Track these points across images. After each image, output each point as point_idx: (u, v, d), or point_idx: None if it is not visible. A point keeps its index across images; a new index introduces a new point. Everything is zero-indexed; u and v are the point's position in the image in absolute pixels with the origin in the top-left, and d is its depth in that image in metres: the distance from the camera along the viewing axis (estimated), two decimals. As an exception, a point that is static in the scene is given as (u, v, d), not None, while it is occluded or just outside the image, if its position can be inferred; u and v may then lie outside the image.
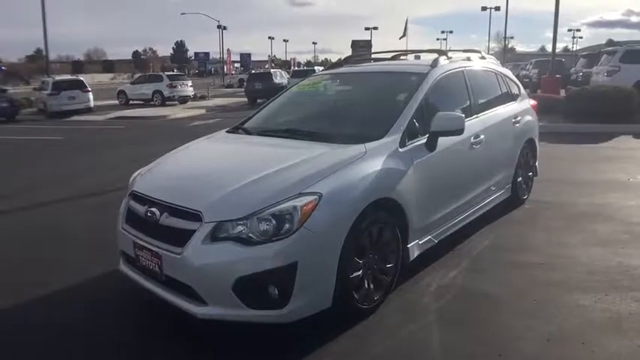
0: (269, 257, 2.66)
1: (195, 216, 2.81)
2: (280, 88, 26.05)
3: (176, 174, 3.46)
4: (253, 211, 2.72)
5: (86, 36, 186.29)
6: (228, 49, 54.47)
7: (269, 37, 71.29)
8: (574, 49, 74.57)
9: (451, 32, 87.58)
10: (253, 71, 35.26)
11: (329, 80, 4.55)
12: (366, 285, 3.13)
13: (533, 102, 6.08)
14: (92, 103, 22.02)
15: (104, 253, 4.19)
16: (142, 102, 25.63)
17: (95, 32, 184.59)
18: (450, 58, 4.45)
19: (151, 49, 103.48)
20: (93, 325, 3.26)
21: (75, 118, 20.00)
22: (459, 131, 3.66)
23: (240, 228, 2.72)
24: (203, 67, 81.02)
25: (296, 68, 33.38)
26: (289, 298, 2.70)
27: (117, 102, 26.50)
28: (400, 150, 3.41)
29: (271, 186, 2.88)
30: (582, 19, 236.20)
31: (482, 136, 4.33)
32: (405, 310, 3.30)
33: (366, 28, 53.50)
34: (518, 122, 5.23)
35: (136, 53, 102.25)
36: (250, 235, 2.70)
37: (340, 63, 5.08)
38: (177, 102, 25.32)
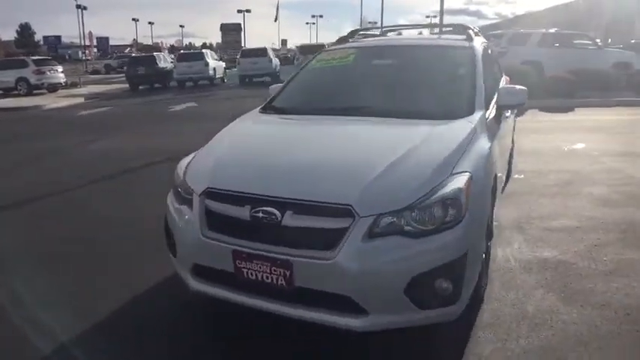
0: (444, 249, 2.33)
1: (343, 211, 2.32)
2: (166, 73, 24.56)
3: (267, 163, 2.82)
4: (417, 198, 2.34)
5: None
6: (90, 32, 49.10)
7: (133, 19, 66.21)
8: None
9: (321, 17, 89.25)
10: (134, 54, 32.49)
11: (355, 55, 4.17)
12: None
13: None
14: None
15: None
16: (0, 91, 22.11)
17: None
18: (477, 33, 4.36)
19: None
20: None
21: None
22: (522, 104, 3.61)
23: (404, 219, 2.32)
24: (54, 52, 72.61)
25: (183, 51, 31.36)
26: (461, 292, 2.41)
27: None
28: (487, 125, 3.24)
29: (420, 168, 2.51)
30: (431, 7, 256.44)
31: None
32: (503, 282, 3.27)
33: (239, 11, 52.41)
34: None
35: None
36: (417, 226, 2.32)
37: (346, 38, 4.75)
38: (46, 90, 22.29)
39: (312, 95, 3.94)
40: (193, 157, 3.18)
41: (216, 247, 2.55)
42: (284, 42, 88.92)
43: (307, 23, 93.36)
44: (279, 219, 2.39)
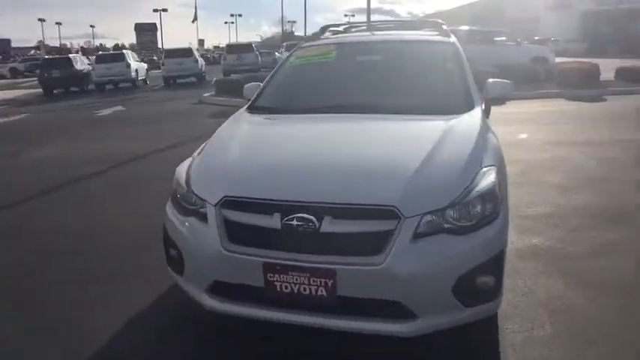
0: (486, 245, 2.31)
1: (386, 213, 2.23)
2: (83, 76, 23.06)
3: (290, 166, 2.64)
4: (457, 195, 2.31)
5: None
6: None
7: (39, 19, 61.59)
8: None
9: (240, 16, 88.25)
10: (47, 56, 30.22)
11: (337, 50, 4.08)
12: None
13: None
14: None
15: None
16: None
17: None
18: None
19: None
20: None
21: None
22: (509, 96, 3.71)
23: (446, 217, 2.27)
24: None
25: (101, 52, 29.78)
26: (501, 286, 2.40)
27: None
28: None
29: (453, 164, 2.48)
30: (345, 6, 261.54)
31: None
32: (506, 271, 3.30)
33: (155, 10, 50.39)
34: None
35: None
36: (459, 223, 2.28)
37: (318, 35, 4.67)
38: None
39: (304, 93, 3.81)
40: (192, 164, 2.92)
41: (241, 260, 2.36)
42: (201, 42, 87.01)
43: (226, 22, 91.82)
44: (316, 226, 2.25)
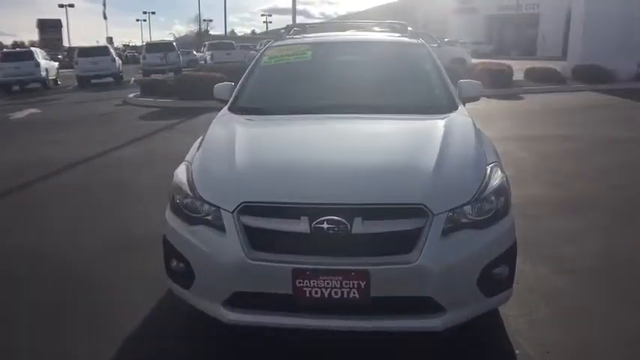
0: (504, 237, 2.43)
1: (415, 211, 2.27)
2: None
3: (310, 168, 2.56)
4: (476, 190, 2.41)
5: None
6: None
7: None
8: (266, 31, 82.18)
9: (154, 13, 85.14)
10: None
11: (312, 50, 4.05)
12: None
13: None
14: None
15: None
16: None
17: None
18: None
19: None
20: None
21: None
22: (479, 96, 3.87)
23: (467, 213, 2.36)
24: None
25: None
26: (514, 274, 2.54)
27: None
28: None
29: (466, 161, 2.59)
30: (260, 6, 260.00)
31: None
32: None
33: (60, 6, 47.11)
34: None
35: None
36: (479, 217, 2.38)
37: (284, 34, 4.59)
38: None
39: (292, 93, 3.73)
40: (191, 169, 2.73)
41: (268, 268, 2.28)
42: (110, 40, 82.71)
43: (138, 20, 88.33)
44: (348, 228, 2.24)
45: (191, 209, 2.53)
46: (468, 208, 2.36)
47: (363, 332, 2.37)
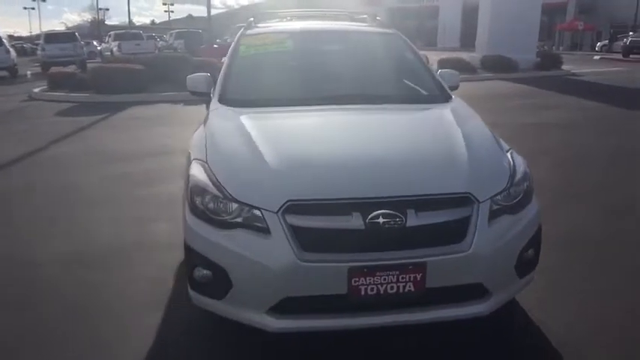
0: (533, 220, 2.55)
1: (462, 200, 2.32)
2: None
3: (343, 162, 2.48)
4: (509, 176, 2.52)
5: None
6: None
7: None
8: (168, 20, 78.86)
9: (44, 1, 78.65)
10: None
11: (292, 40, 3.92)
12: None
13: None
14: None
15: None
16: None
17: None
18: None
19: None
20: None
21: None
22: (458, 85, 3.94)
23: (506, 198, 2.45)
24: None
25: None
26: (539, 256, 2.66)
27: None
28: None
29: (491, 149, 2.71)
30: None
31: None
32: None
33: None
34: None
35: None
36: (512, 203, 2.47)
37: (253, 23, 4.33)
38: None
39: (288, 84, 3.59)
40: (211, 168, 2.50)
41: (322, 269, 2.19)
42: (-10, 30, 75.10)
43: (25, 8, 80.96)
44: (403, 221, 2.22)
45: (220, 212, 2.34)
46: (505, 194, 2.46)
47: (416, 325, 2.40)
